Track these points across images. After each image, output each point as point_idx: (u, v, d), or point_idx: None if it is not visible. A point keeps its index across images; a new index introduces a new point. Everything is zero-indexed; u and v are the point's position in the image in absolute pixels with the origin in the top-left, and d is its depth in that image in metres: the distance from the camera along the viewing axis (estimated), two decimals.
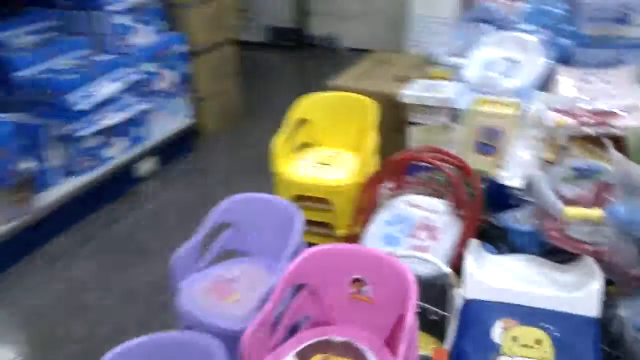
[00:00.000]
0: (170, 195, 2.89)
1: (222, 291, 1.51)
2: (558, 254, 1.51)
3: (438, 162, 1.63)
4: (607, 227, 1.29)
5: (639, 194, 1.25)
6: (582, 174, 1.47)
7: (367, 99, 1.94)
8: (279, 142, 1.87)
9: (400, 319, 1.18)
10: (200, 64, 3.26)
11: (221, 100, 3.41)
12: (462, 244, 1.51)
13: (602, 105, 1.70)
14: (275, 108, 3.35)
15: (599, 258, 1.33)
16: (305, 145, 2.03)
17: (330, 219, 1.81)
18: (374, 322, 1.25)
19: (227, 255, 1.66)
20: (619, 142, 1.62)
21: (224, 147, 3.28)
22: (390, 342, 1.22)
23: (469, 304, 1.28)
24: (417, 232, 1.60)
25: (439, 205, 1.65)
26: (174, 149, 3.18)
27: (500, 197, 1.64)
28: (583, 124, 1.62)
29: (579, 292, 1.24)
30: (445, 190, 1.69)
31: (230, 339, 1.27)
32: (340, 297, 1.28)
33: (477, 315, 1.26)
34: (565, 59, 2.04)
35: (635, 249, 1.24)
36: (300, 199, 1.83)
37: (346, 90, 2.08)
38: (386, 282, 1.22)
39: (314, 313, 1.30)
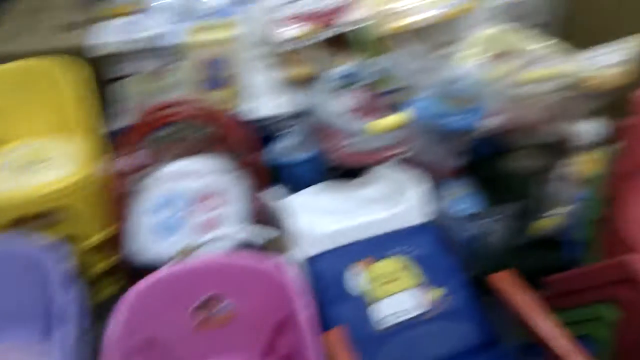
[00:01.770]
0: None
1: None
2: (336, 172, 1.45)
3: (194, 115, 1.35)
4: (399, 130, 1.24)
5: (433, 86, 1.22)
6: (346, 81, 1.39)
7: (56, 61, 1.47)
8: None
9: (282, 324, 0.96)
10: None
11: None
12: (255, 198, 1.31)
13: (317, 4, 1.62)
14: None
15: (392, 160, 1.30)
16: None
17: (70, 231, 1.37)
18: (240, 341, 0.99)
19: None
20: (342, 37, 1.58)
21: None
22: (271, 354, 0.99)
23: (313, 262, 1.11)
24: (196, 205, 1.32)
25: (204, 163, 1.38)
26: None
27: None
28: (320, 28, 1.51)
29: (408, 201, 1.19)
30: (204, 144, 1.43)
31: None
32: (185, 333, 0.97)
33: (326, 271, 1.10)
34: None
35: (439, 142, 1.23)
36: (17, 222, 1.33)
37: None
38: (247, 290, 0.96)
39: None
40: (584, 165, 1.27)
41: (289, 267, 0.97)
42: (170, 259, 1.09)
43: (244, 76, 1.57)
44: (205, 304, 0.96)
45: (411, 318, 1.03)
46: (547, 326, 0.93)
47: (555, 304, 1.01)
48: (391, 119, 1.17)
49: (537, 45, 1.40)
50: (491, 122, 1.19)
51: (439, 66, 1.23)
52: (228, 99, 1.57)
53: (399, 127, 1.18)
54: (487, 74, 1.24)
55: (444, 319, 1.04)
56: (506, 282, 1.02)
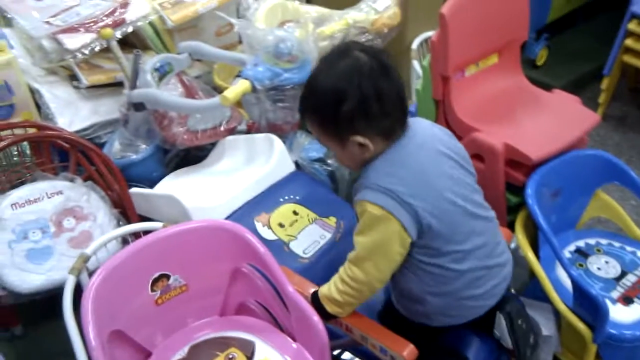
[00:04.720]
0: None
1: None
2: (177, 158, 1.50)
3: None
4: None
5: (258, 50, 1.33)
6: (161, 73, 1.42)
7: None
8: None
9: (235, 275, 1.01)
10: None
11: None
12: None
13: (90, 10, 1.58)
14: None
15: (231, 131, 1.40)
16: None
17: None
18: (198, 307, 1.00)
19: None
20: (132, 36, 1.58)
21: None
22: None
23: None
24: (60, 225, 1.24)
25: (53, 184, 1.27)
26: None
27: None
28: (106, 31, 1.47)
29: (272, 159, 1.29)
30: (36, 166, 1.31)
31: None
32: (148, 311, 0.94)
33: None
34: None
35: (277, 102, 1.36)
36: None
37: None
38: (192, 257, 0.97)
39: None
40: None
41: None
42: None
43: (40, 95, 1.47)
44: (157, 282, 0.94)
45: (324, 244, 1.17)
46: None
47: None
48: (239, 86, 1.25)
49: (309, 10, 1.64)
50: None
51: (252, 36, 1.35)
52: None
53: (247, 92, 1.27)
54: (297, 35, 1.41)
55: (347, 236, 1.20)
56: None
